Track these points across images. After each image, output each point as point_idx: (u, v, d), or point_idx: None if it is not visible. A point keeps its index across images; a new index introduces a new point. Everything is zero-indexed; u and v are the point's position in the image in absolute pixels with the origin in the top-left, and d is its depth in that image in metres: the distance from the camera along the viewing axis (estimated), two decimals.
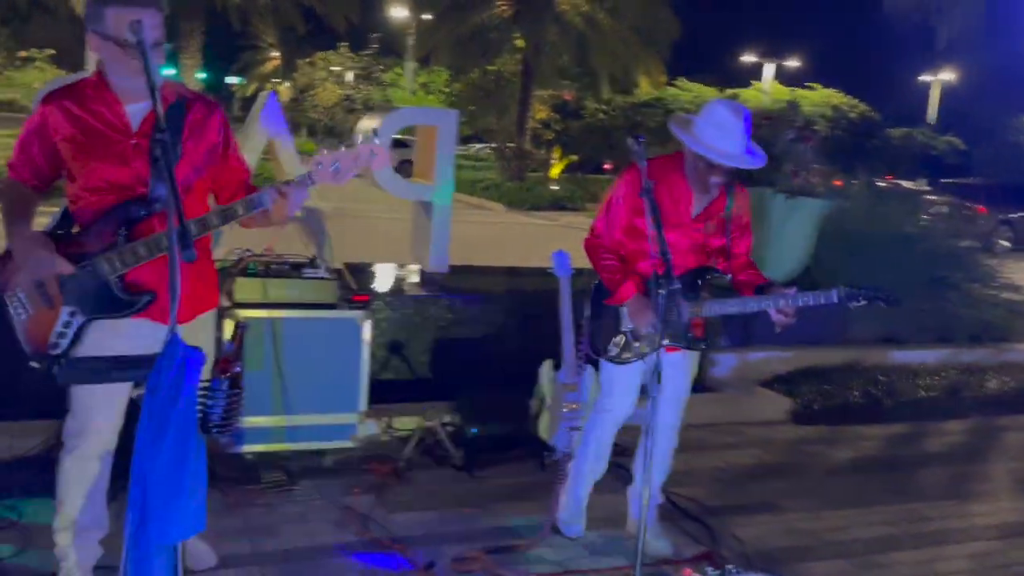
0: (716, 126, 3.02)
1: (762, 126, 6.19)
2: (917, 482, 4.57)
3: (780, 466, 4.65)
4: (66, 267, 2.46)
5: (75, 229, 2.59)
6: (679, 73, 29.43)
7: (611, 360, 3.36)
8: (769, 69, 33.46)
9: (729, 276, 3.29)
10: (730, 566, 3.05)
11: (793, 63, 35.27)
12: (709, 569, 3.03)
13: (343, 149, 2.49)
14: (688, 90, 29.05)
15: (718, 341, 2.67)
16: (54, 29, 25.58)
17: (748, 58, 35.97)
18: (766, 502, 4.10)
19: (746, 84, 30.89)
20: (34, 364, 2.53)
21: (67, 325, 2.51)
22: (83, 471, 2.69)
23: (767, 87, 30.19)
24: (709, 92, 27.20)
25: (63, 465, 2.70)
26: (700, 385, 5.60)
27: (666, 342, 2.98)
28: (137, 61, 2.27)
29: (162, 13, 2.49)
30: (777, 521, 3.90)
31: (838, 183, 6.63)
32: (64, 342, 2.51)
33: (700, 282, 3.23)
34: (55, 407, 3.65)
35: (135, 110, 2.53)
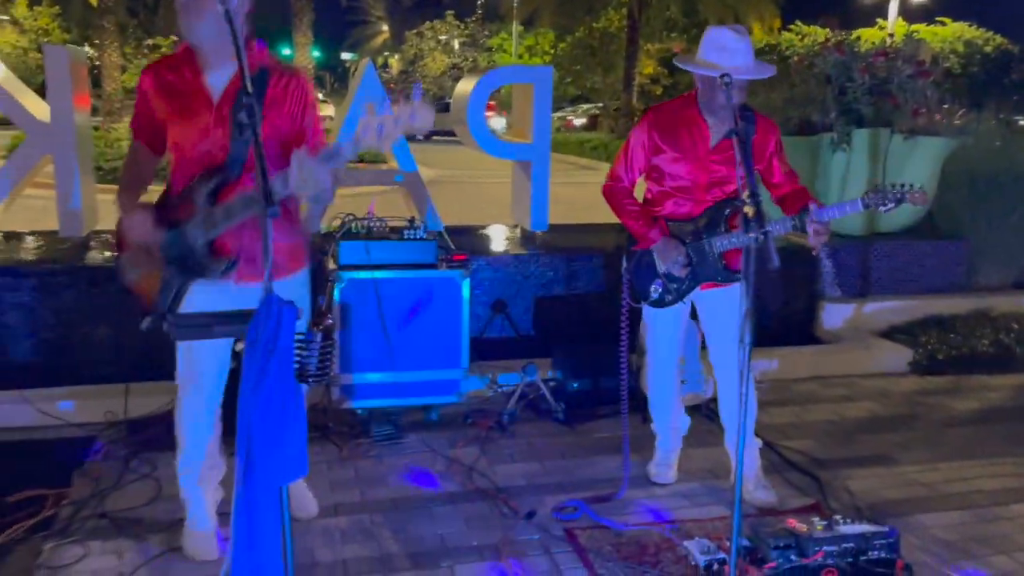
0: (717, 48, 3.08)
1: (878, 64, 5.89)
2: None
3: (896, 418, 4.47)
4: (156, 237, 2.61)
5: (172, 193, 2.75)
6: (795, 17, 28.16)
7: (652, 304, 3.38)
8: (894, 5, 31.49)
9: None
10: (837, 516, 2.97)
11: None
12: (816, 519, 2.96)
13: (388, 112, 2.46)
14: (805, 34, 27.77)
15: (770, 267, 2.58)
16: (177, 18, 26.87)
17: None
18: (879, 454, 3.97)
19: (870, 24, 29.26)
20: (144, 326, 2.72)
21: (168, 286, 2.70)
22: (195, 416, 2.88)
23: (891, 25, 28.48)
24: (823, 34, 25.93)
25: (178, 412, 2.91)
26: (811, 336, 5.49)
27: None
28: (199, 22, 2.41)
29: None
30: (890, 473, 3.77)
31: (962, 121, 6.21)
32: (166, 301, 2.69)
33: (727, 214, 3.23)
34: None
35: (218, 77, 2.63)
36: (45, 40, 28.36)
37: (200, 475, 2.95)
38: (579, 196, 7.03)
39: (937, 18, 26.56)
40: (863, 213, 3.18)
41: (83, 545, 2.99)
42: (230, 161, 2.62)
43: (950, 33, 25.70)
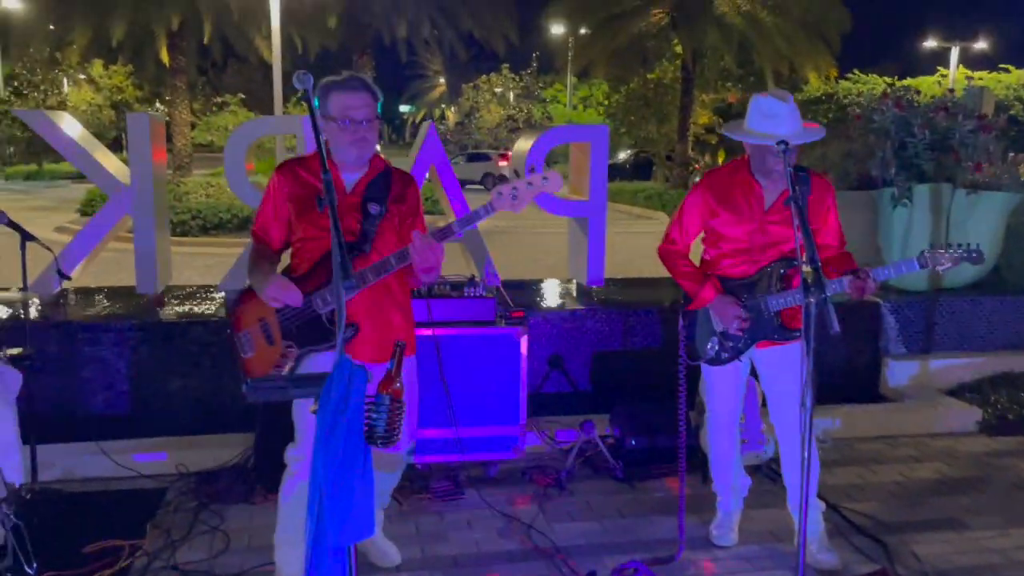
0: (763, 116, 3.12)
1: (938, 119, 5.86)
2: None
3: (965, 480, 4.36)
4: (297, 297, 2.82)
5: (295, 274, 2.96)
6: (852, 65, 28.06)
7: (709, 363, 3.39)
8: (955, 54, 31.16)
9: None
10: None
11: (982, 45, 32.69)
12: None
13: (521, 179, 2.70)
14: (862, 83, 27.59)
15: (831, 331, 2.59)
16: (245, 75, 27.88)
17: (931, 43, 33.70)
18: (948, 518, 3.87)
19: (930, 72, 28.98)
20: (246, 386, 2.85)
21: (285, 357, 2.89)
22: (297, 488, 2.92)
23: (952, 74, 28.14)
24: (881, 83, 25.74)
25: (285, 488, 2.98)
26: (875, 394, 5.40)
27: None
28: (350, 135, 2.76)
29: (373, 96, 2.86)
30: (960, 539, 3.67)
31: None
32: (283, 373, 2.86)
33: (783, 273, 3.25)
34: (247, 423, 4.07)
35: (350, 176, 2.93)
36: (119, 97, 29.65)
37: (295, 544, 2.95)
38: (635, 245, 7.08)
39: (1000, 65, 26.18)
40: (919, 270, 3.16)
41: None
42: (359, 241, 2.88)
43: (1015, 80, 25.29)
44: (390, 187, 2.96)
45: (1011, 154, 6.23)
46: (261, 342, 2.95)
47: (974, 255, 3.00)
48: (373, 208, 2.87)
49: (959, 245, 3.03)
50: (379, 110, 2.93)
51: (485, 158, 31.56)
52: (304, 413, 2.92)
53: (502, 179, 2.75)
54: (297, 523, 2.93)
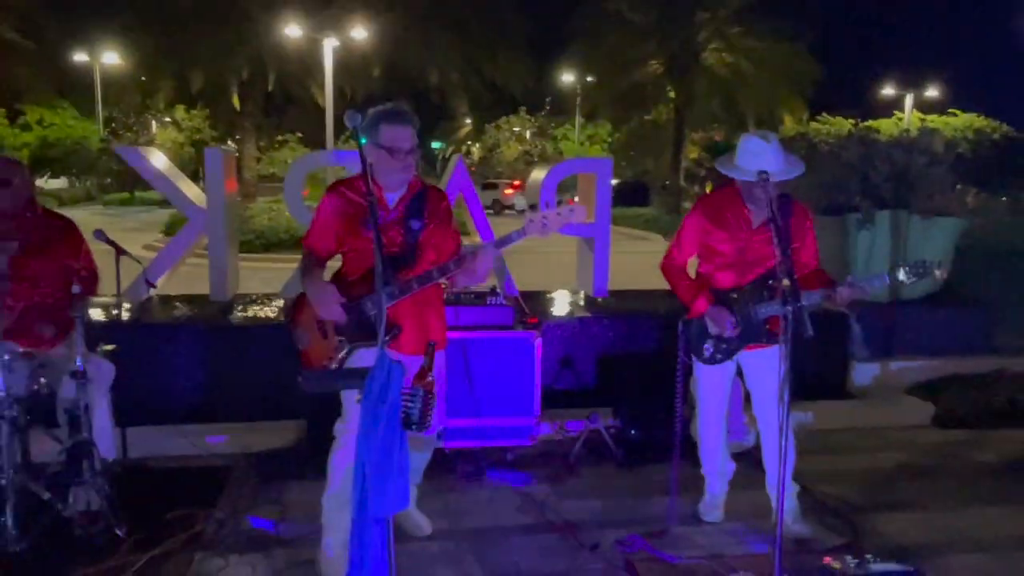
0: (751, 153, 3.09)
1: (896, 155, 5.81)
2: None
3: (923, 467, 4.28)
4: (341, 315, 2.82)
5: (346, 280, 2.95)
6: (822, 109, 27.86)
7: (704, 361, 3.36)
8: (909, 100, 30.95)
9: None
10: (869, 556, 2.86)
11: (933, 92, 32.41)
12: (849, 558, 2.86)
13: (551, 210, 2.70)
14: (830, 124, 27.43)
15: (805, 336, 2.58)
16: (302, 117, 28.12)
17: (888, 91, 33.47)
18: (908, 500, 3.81)
19: (888, 115, 28.77)
20: (301, 377, 2.86)
21: (337, 350, 2.87)
22: (346, 457, 2.90)
23: (907, 117, 27.93)
24: (847, 124, 25.56)
25: (334, 456, 2.97)
26: (843, 392, 5.33)
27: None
28: (398, 162, 2.77)
29: (415, 127, 2.88)
30: (918, 518, 3.61)
31: (975, 202, 6.05)
32: (334, 364, 2.86)
33: (769, 285, 3.22)
34: (302, 411, 4.07)
35: (392, 196, 2.92)
36: (197, 136, 29.99)
37: (342, 509, 2.94)
38: (633, 262, 7.06)
39: (949, 109, 25.98)
40: (887, 284, 3.14)
41: (224, 558, 3.08)
42: (402, 253, 2.89)
43: (961, 123, 25.08)
44: (427, 204, 2.95)
45: (959, 186, 6.17)
46: (317, 337, 2.93)
47: (937, 271, 3.00)
48: (415, 224, 2.88)
49: (924, 261, 3.02)
50: (418, 141, 2.91)
51: (494, 187, 32.10)
52: (350, 396, 2.92)
53: (532, 208, 2.77)
54: (342, 488, 2.93)
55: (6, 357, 2.94)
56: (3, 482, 2.91)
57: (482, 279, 2.87)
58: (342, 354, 2.88)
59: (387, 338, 2.79)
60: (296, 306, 3.03)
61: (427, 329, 2.96)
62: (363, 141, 2.79)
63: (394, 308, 2.80)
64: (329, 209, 2.94)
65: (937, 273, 3.07)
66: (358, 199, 2.89)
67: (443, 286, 3.10)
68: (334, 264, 3.06)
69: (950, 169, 5.98)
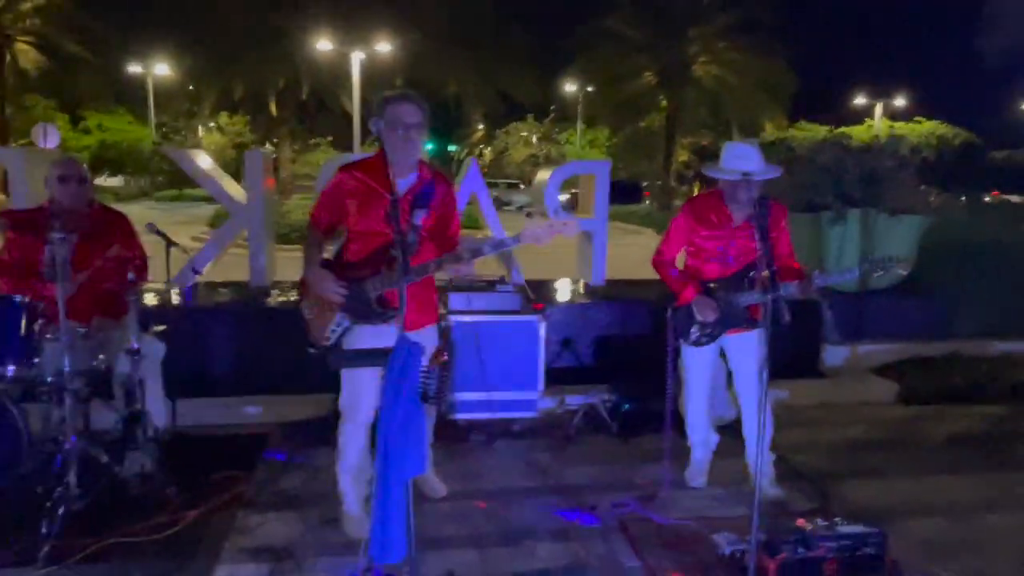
0: (735, 157, 3.08)
1: (867, 158, 5.74)
2: (1014, 456, 4.04)
3: (886, 440, 4.26)
4: (338, 293, 2.74)
5: (349, 259, 2.87)
6: (800, 116, 27.66)
7: (691, 344, 3.34)
8: (879, 108, 30.60)
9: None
10: (837, 518, 2.85)
11: (900, 102, 32.00)
12: (819, 520, 2.85)
13: (546, 222, 2.60)
14: (807, 130, 27.18)
15: (782, 322, 2.56)
16: (332, 122, 28.03)
17: (860, 100, 33.08)
18: (873, 469, 3.79)
19: (860, 122, 28.48)
20: (311, 350, 2.87)
21: (338, 325, 2.82)
22: (354, 431, 2.93)
23: (877, 124, 27.64)
24: (822, 130, 25.35)
25: (341, 428, 2.96)
26: (816, 372, 5.30)
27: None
28: (402, 141, 2.61)
29: (419, 106, 2.72)
30: (882, 485, 3.59)
31: (937, 202, 5.97)
32: (334, 337, 2.82)
33: (750, 276, 3.21)
34: (330, 385, 4.08)
35: (403, 182, 2.77)
36: (239, 140, 29.96)
37: (355, 476, 2.99)
38: (628, 254, 7.01)
39: (915, 117, 25.70)
40: (857, 277, 3.12)
41: (262, 515, 3.10)
42: (405, 241, 2.73)
43: (926, 129, 24.83)
44: (434, 194, 2.76)
45: (923, 187, 6.09)
46: (320, 309, 2.85)
47: (901, 265, 2.98)
48: (419, 215, 2.60)
49: (890, 256, 3.00)
50: (424, 120, 2.74)
51: (495, 186, 32.14)
52: (352, 375, 2.88)
53: (529, 216, 2.71)
54: (353, 455, 2.95)
55: (69, 337, 2.95)
56: (67, 447, 2.92)
57: (466, 275, 2.79)
58: (342, 328, 2.81)
59: (390, 317, 2.75)
60: (304, 282, 2.93)
61: (421, 309, 2.88)
62: (378, 121, 2.68)
63: (394, 291, 2.73)
64: (340, 187, 2.81)
65: (900, 269, 3.04)
66: (367, 179, 2.75)
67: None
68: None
69: (915, 171, 5.90)
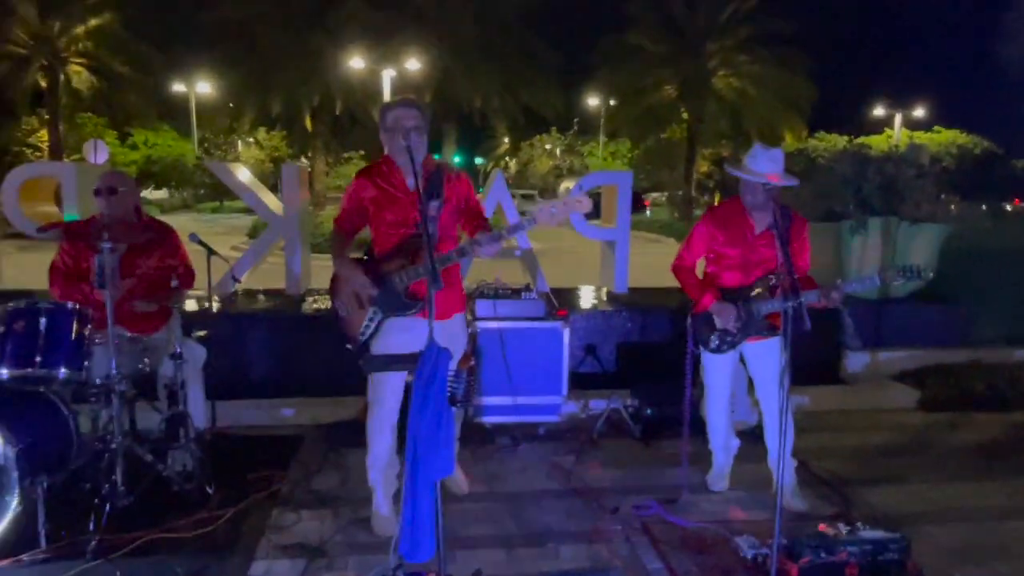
0: (759, 159, 3.04)
1: (887, 168, 5.63)
2: None
3: (908, 446, 4.16)
4: (370, 287, 2.79)
5: (376, 255, 2.91)
6: (819, 127, 27.27)
7: (711, 351, 3.29)
8: (898, 118, 30.03)
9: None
10: (859, 523, 2.79)
11: (920, 112, 31.37)
12: (841, 525, 2.80)
13: (558, 201, 2.59)
14: (826, 141, 26.78)
15: (803, 329, 2.52)
16: (365, 136, 28.31)
17: (879, 111, 32.49)
18: (894, 475, 3.70)
19: (879, 132, 27.98)
20: (348, 347, 2.91)
21: (371, 320, 2.85)
22: (380, 428, 2.96)
23: (897, 134, 27.12)
24: (841, 141, 24.94)
25: (368, 424, 3.00)
26: (837, 378, 5.20)
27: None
28: (403, 139, 2.60)
29: (419, 110, 2.76)
30: (903, 491, 3.50)
31: (957, 210, 5.84)
32: (368, 331, 2.85)
33: (770, 284, 3.15)
34: (362, 388, 4.10)
35: (411, 180, 2.78)
36: (276, 154, 30.42)
37: (382, 470, 3.01)
38: (649, 262, 6.98)
39: (935, 127, 25.17)
40: (878, 285, 3.05)
41: (297, 513, 3.13)
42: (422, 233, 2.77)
43: (945, 139, 24.31)
44: (442, 181, 2.76)
45: (943, 195, 5.97)
46: (354, 307, 2.88)
47: (921, 272, 2.91)
48: (433, 208, 2.64)
49: (911, 265, 2.93)
50: (424, 121, 2.76)
51: (513, 197, 31.86)
52: (379, 379, 2.90)
53: (543, 198, 2.70)
54: (382, 452, 2.96)
55: (117, 341, 3.02)
56: (113, 446, 2.98)
57: (492, 255, 2.72)
58: (376, 322, 2.84)
59: (419, 308, 2.76)
60: (336, 281, 2.98)
61: (449, 298, 2.88)
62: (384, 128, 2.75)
63: (419, 282, 2.75)
64: (359, 191, 2.86)
65: (922, 278, 2.97)
66: (382, 183, 2.81)
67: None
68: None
69: (935, 180, 5.78)
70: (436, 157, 3.13)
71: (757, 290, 3.19)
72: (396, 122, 2.72)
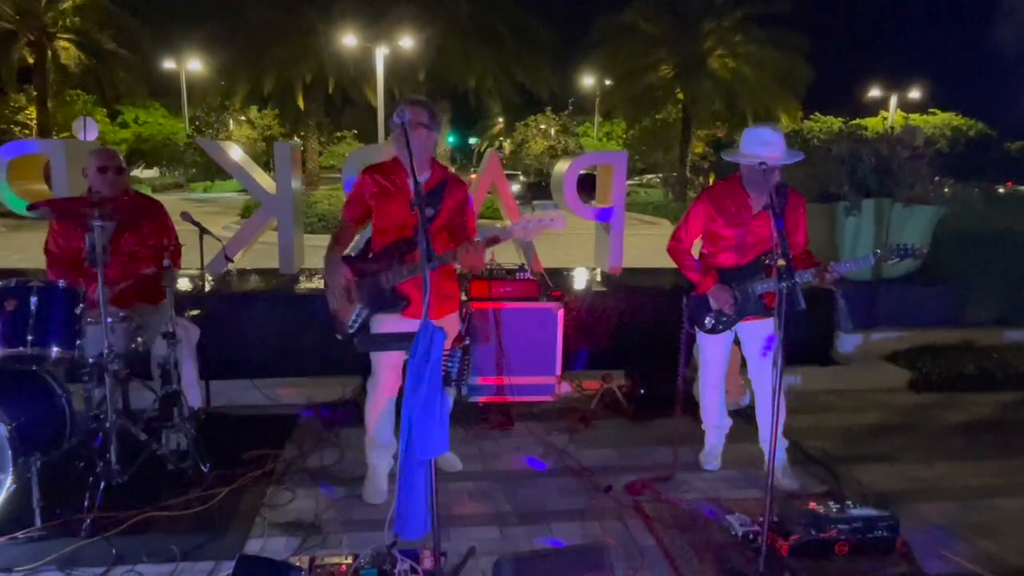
0: (757, 142, 2.99)
1: (882, 149, 5.62)
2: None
3: (898, 425, 4.20)
4: (351, 285, 2.84)
5: (372, 252, 2.95)
6: (814, 108, 27.15)
7: (706, 331, 3.30)
8: (894, 100, 29.94)
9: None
10: (849, 501, 2.82)
11: (915, 94, 31.25)
12: (831, 503, 2.82)
13: (534, 217, 2.63)
14: (822, 122, 26.69)
15: (797, 309, 2.52)
16: (357, 116, 28.11)
17: (875, 92, 32.36)
18: (884, 454, 3.74)
19: (875, 114, 27.93)
20: (338, 337, 2.91)
21: (358, 315, 2.88)
22: (377, 407, 3.00)
23: (892, 116, 27.05)
24: (837, 122, 24.88)
25: (367, 402, 3.03)
26: (829, 359, 5.23)
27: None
28: (404, 141, 2.54)
29: (425, 108, 2.80)
30: (893, 469, 3.54)
31: (951, 192, 5.84)
32: (356, 325, 2.88)
33: (766, 264, 3.14)
34: (356, 368, 4.10)
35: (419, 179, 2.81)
36: (268, 133, 30.13)
37: (379, 449, 3.05)
38: (644, 244, 6.98)
39: (930, 109, 25.12)
40: (873, 264, 3.05)
41: (292, 491, 3.14)
42: (416, 237, 2.77)
43: (940, 121, 24.28)
44: (445, 193, 2.88)
45: (937, 177, 5.96)
46: (344, 300, 2.93)
47: (917, 252, 2.89)
48: (429, 212, 2.76)
49: (906, 244, 2.92)
50: (430, 122, 2.82)
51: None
52: (379, 357, 2.96)
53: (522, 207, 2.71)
54: (376, 432, 3.01)
55: (110, 320, 3.00)
56: (107, 425, 2.97)
57: (480, 266, 2.79)
58: (362, 317, 2.90)
59: (402, 307, 2.82)
60: (327, 274, 3.02)
61: (439, 300, 2.91)
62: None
63: (410, 282, 2.81)
64: (364, 187, 2.94)
65: (916, 257, 2.97)
66: (384, 181, 2.89)
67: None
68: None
69: (930, 162, 5.77)
70: (450, 142, 3.13)
71: (752, 270, 3.18)
72: (402, 120, 2.71)
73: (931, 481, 3.42)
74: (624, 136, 32.95)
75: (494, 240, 2.76)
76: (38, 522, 2.72)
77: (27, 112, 23.73)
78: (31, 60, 21.43)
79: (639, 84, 24.45)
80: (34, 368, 3.02)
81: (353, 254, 3.04)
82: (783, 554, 2.62)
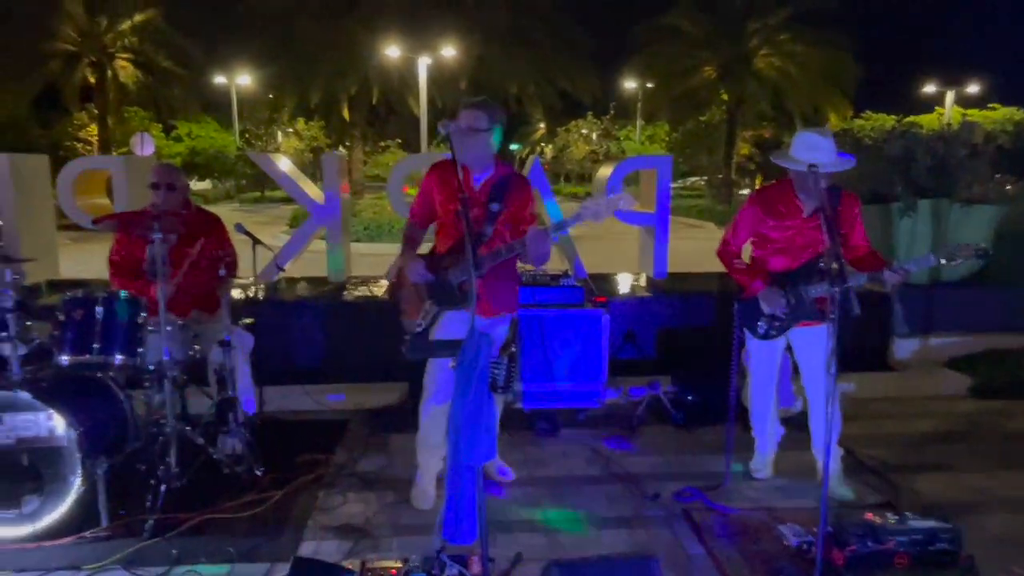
0: (806, 147, 2.93)
1: (937, 147, 5.43)
2: None
3: (958, 433, 4.04)
4: (426, 275, 2.89)
5: (437, 252, 3.00)
6: (866, 106, 26.29)
7: (759, 337, 3.23)
8: (950, 96, 28.80)
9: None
10: (908, 512, 2.73)
11: (973, 88, 29.97)
12: (889, 514, 2.73)
13: (603, 198, 2.63)
14: (873, 120, 25.85)
15: (852, 314, 2.45)
16: (401, 125, 28.47)
17: (930, 88, 31.18)
18: (943, 463, 3.60)
19: (930, 111, 26.90)
20: (406, 337, 2.98)
21: (427, 312, 2.93)
22: (429, 410, 3.03)
23: (948, 112, 26.04)
24: (889, 120, 24.03)
25: (421, 402, 3.06)
26: (885, 365, 5.07)
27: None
28: (483, 150, 2.71)
29: (482, 111, 2.83)
30: (953, 479, 3.41)
31: (1013, 191, 5.59)
32: (425, 323, 2.93)
33: (818, 268, 3.05)
34: (406, 374, 4.15)
35: (478, 178, 2.92)
36: (314, 143, 30.84)
37: (429, 450, 3.08)
38: (689, 248, 6.87)
39: (989, 104, 24.08)
40: (933, 264, 2.95)
41: (343, 495, 3.20)
42: (481, 231, 2.85)
43: (1000, 116, 23.23)
44: (508, 189, 2.88)
45: (997, 175, 5.72)
46: (414, 298, 2.98)
47: (980, 253, 2.80)
48: (494, 206, 2.81)
49: (967, 245, 2.84)
50: (488, 124, 2.83)
51: None
52: (434, 363, 3.00)
53: (588, 195, 2.72)
54: (431, 431, 3.03)
55: (169, 328, 3.12)
56: (167, 430, 3.09)
57: (545, 257, 2.76)
58: (432, 314, 2.93)
59: (469, 304, 2.81)
60: (399, 274, 3.08)
61: (496, 297, 2.92)
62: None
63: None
64: (430, 185, 2.97)
65: (979, 257, 2.86)
66: (447, 179, 2.90)
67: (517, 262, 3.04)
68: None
69: (989, 160, 5.54)
70: (516, 149, 3.17)
71: (805, 273, 3.11)
72: (446, 130, 2.74)
73: (992, 491, 3.29)
74: (667, 139, 32.58)
75: (562, 225, 2.76)
76: (104, 522, 2.84)
77: (88, 129, 24.88)
78: (92, 80, 22.46)
79: (682, 86, 24.14)
80: (98, 375, 3.16)
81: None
82: (839, 565, 2.55)
